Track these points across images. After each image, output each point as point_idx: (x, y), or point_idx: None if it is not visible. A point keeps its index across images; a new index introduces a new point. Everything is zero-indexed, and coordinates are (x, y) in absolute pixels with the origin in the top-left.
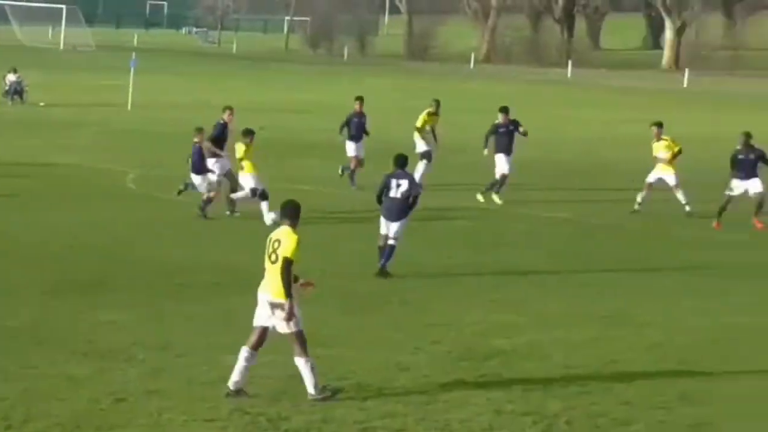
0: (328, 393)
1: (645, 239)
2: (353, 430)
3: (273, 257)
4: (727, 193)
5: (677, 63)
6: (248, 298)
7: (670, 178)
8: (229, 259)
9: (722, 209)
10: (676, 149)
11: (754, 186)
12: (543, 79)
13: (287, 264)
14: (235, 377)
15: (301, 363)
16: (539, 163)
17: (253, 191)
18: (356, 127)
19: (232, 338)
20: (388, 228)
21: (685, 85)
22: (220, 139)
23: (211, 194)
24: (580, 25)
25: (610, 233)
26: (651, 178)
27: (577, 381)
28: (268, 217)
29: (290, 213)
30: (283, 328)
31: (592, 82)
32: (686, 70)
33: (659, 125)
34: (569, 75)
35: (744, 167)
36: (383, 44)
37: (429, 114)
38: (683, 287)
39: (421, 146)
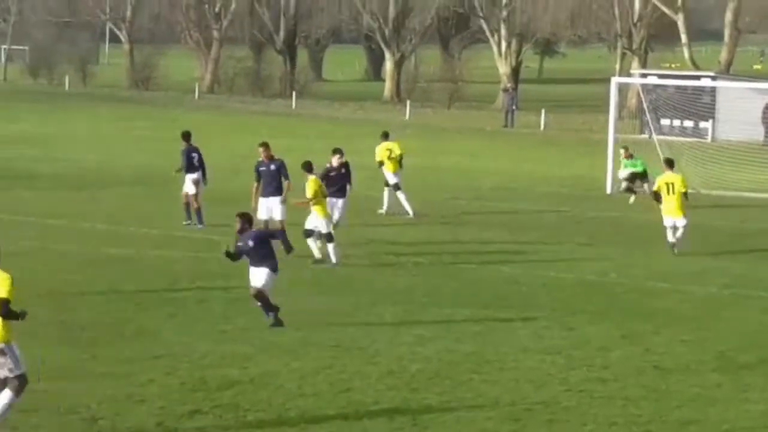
0: None
1: (364, 269)
2: None
3: None
4: None
5: (399, 95)
6: None
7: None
8: None
9: None
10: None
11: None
12: (267, 110)
13: (6, 305)
14: None
15: (5, 397)
16: None
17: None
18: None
19: None
20: None
21: (407, 117)
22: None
23: None
24: (302, 56)
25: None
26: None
27: (312, 410)
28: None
29: None
30: (5, 372)
31: (316, 113)
32: (407, 102)
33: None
34: (294, 106)
35: None
36: (105, 74)
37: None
38: (403, 316)
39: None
